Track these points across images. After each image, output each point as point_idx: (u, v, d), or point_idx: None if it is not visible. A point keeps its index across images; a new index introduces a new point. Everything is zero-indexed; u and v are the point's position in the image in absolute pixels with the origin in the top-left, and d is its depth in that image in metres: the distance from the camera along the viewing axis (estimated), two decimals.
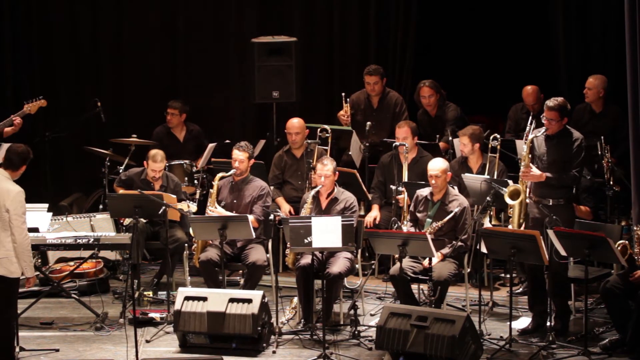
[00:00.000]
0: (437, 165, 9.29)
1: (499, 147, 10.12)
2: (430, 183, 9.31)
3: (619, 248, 8.32)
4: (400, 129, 10.46)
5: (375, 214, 10.48)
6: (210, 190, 9.91)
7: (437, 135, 10.95)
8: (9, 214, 7.71)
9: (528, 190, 8.90)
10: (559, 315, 8.86)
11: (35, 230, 8.79)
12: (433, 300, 8.84)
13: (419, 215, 9.38)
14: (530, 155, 8.84)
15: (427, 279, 8.94)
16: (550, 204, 8.76)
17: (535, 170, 8.78)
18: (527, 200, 8.89)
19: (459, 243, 9.05)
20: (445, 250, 9.09)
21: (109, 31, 12.72)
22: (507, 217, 9.53)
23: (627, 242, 8.52)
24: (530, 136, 8.90)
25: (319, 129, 10.85)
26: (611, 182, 10.02)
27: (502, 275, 10.41)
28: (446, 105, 11.29)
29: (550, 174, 8.74)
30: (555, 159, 8.79)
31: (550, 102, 8.78)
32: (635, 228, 8.51)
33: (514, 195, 8.91)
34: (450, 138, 10.94)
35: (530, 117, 9.23)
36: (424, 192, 9.40)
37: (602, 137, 10.09)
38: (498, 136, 10.17)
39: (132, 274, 9.35)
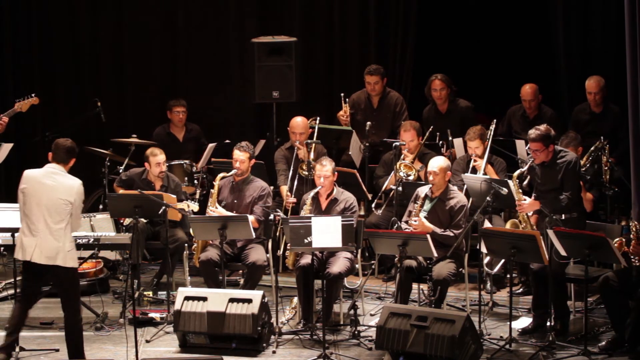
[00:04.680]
0: (436, 163, 9.29)
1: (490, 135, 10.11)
2: (429, 180, 9.31)
3: (615, 245, 8.33)
4: (406, 133, 10.39)
5: None
6: (211, 190, 9.91)
7: (438, 133, 10.90)
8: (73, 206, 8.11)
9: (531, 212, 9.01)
10: (559, 315, 8.86)
11: None
12: (433, 300, 8.84)
13: (413, 209, 9.34)
14: (520, 190, 8.95)
15: (427, 278, 8.96)
16: (563, 218, 8.78)
17: (528, 200, 8.88)
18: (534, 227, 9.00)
19: (450, 234, 9.06)
20: (436, 230, 9.07)
21: (109, 31, 12.71)
22: (506, 216, 9.53)
23: (623, 239, 8.53)
24: (517, 172, 8.97)
25: (310, 119, 10.82)
26: (607, 184, 10.01)
27: (503, 275, 10.40)
28: (457, 101, 11.28)
29: (543, 200, 8.84)
30: (549, 187, 8.83)
31: (532, 134, 8.78)
32: (632, 223, 8.53)
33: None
34: (450, 138, 10.92)
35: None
36: (424, 189, 9.39)
37: (602, 137, 10.09)
38: (492, 128, 10.14)
39: (132, 274, 9.35)
